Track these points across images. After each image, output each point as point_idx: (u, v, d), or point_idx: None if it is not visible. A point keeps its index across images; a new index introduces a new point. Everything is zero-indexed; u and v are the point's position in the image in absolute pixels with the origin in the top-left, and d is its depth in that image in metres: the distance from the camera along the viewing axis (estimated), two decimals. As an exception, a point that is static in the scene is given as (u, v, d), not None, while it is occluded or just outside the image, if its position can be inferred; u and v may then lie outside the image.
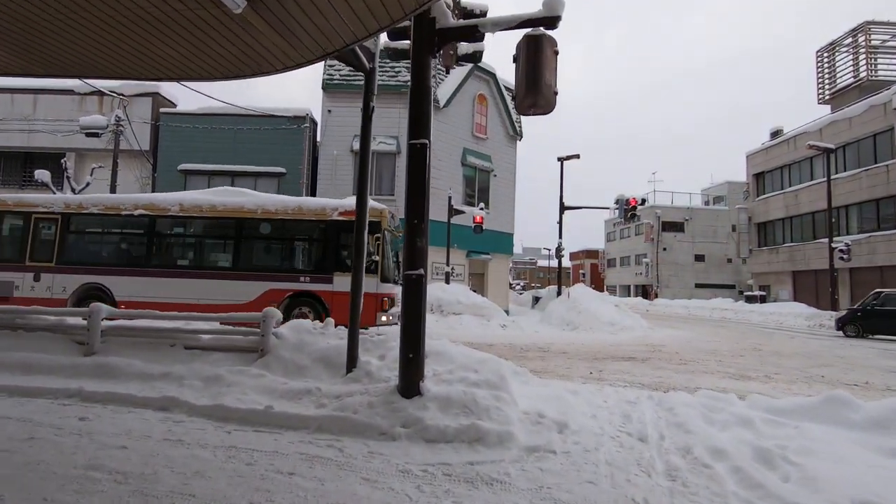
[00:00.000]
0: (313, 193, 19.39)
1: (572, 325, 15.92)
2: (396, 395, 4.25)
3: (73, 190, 17.38)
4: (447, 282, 16.72)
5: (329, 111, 19.51)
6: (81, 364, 5.38)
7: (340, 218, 10.27)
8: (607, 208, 26.66)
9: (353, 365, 5.09)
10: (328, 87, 19.46)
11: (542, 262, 73.94)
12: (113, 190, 16.75)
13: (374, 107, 5.41)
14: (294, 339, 5.64)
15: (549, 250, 56.29)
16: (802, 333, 17.07)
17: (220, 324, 6.17)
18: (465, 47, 5.54)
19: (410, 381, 4.23)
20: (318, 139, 19.94)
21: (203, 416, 4.32)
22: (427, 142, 4.50)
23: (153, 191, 19.56)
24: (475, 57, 5.72)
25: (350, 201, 9.96)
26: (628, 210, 21.84)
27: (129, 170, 19.41)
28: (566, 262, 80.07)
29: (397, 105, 19.12)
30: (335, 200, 10.58)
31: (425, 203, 4.49)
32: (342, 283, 9.36)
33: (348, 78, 19.48)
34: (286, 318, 8.95)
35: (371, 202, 9.09)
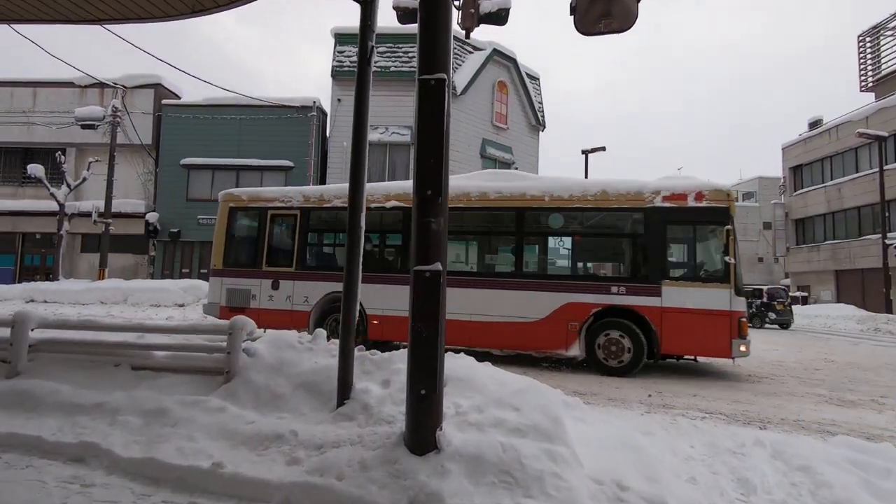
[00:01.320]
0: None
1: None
2: (402, 450, 2.88)
3: (68, 186, 16.45)
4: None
5: (339, 100, 18.27)
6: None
7: (666, 204, 7.28)
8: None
9: (346, 395, 3.74)
10: (338, 74, 18.23)
11: (561, 263, 72.35)
12: (109, 185, 15.76)
13: (373, 46, 4.04)
14: (271, 358, 4.31)
15: (570, 250, 54.60)
16: (862, 338, 15.27)
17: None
18: (488, 4, 4.25)
19: (423, 431, 2.86)
20: (328, 131, 18.71)
21: (126, 475, 3.04)
22: (445, 77, 3.10)
23: (155, 187, 18.58)
24: (500, 17, 4.35)
25: (677, 182, 7.56)
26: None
27: (131, 165, 18.45)
28: (585, 263, 78.23)
29: (410, 92, 17.80)
30: (657, 181, 7.63)
31: (443, 167, 3.10)
32: (675, 296, 7.03)
33: (359, 64, 18.17)
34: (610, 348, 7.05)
35: (707, 183, 7.25)
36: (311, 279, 8.59)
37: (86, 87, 18.78)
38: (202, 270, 18.17)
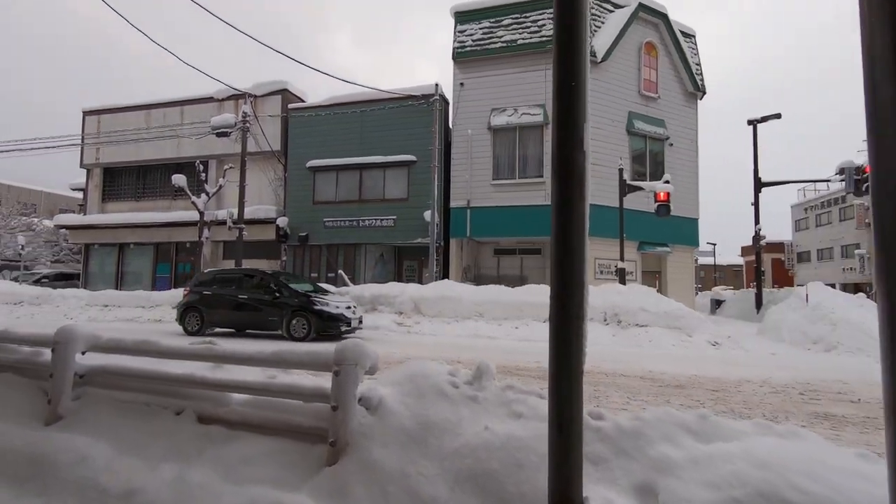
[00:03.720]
0: (446, 180, 16.63)
1: (823, 342, 10.67)
2: None
3: (206, 194, 16.93)
4: (622, 281, 12.55)
5: (461, 84, 16.61)
6: (19, 448, 2.75)
7: None
8: (826, 181, 19.78)
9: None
10: (459, 56, 16.59)
11: (703, 260, 62.56)
12: (241, 192, 15.81)
13: None
14: (408, 417, 2.42)
15: (714, 244, 47.57)
16: None
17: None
18: None
19: None
20: (451, 120, 17.15)
21: None
22: None
23: (284, 192, 18.59)
24: None
25: None
26: (862, 181, 15.32)
27: (262, 171, 18.68)
28: (731, 259, 67.97)
29: (541, 65, 15.54)
30: None
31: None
32: None
33: (483, 42, 16.37)
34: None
35: None
36: None
37: (223, 100, 19.54)
38: (329, 274, 17.69)
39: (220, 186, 17.10)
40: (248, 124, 15.78)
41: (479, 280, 16.93)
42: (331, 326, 9.90)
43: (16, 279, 22.19)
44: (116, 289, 19.61)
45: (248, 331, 10.77)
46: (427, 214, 15.86)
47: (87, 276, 21.41)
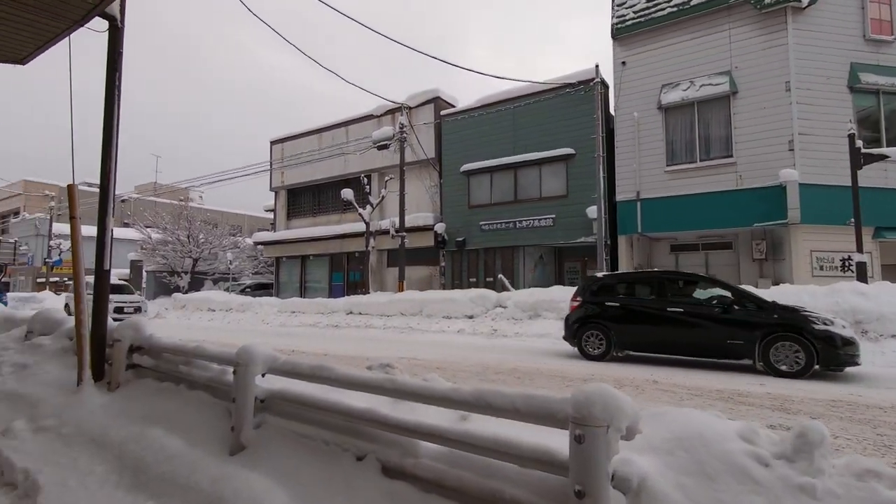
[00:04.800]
0: (610, 171, 15.02)
1: None
2: None
3: (371, 205, 17.83)
4: (862, 278, 9.69)
5: (623, 63, 14.88)
6: (204, 487, 2.49)
7: None
8: None
9: None
10: (620, 31, 14.89)
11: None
12: (401, 200, 16.28)
13: None
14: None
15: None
16: None
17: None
18: None
19: None
20: (613, 104, 15.50)
21: None
22: None
23: (441, 198, 18.77)
24: None
25: None
26: None
27: (419, 179, 19.14)
28: None
29: (723, 25, 13.13)
30: None
31: None
32: None
33: (646, 12, 14.47)
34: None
35: None
36: None
37: (381, 115, 20.60)
38: (488, 279, 17.30)
39: (383, 197, 17.89)
40: (404, 135, 16.21)
41: (653, 281, 14.93)
42: (840, 357, 6.44)
43: (227, 289, 26.27)
44: (301, 296, 21.89)
45: (685, 357, 7.88)
46: (591, 211, 14.48)
47: (278, 286, 24.36)
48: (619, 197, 14.74)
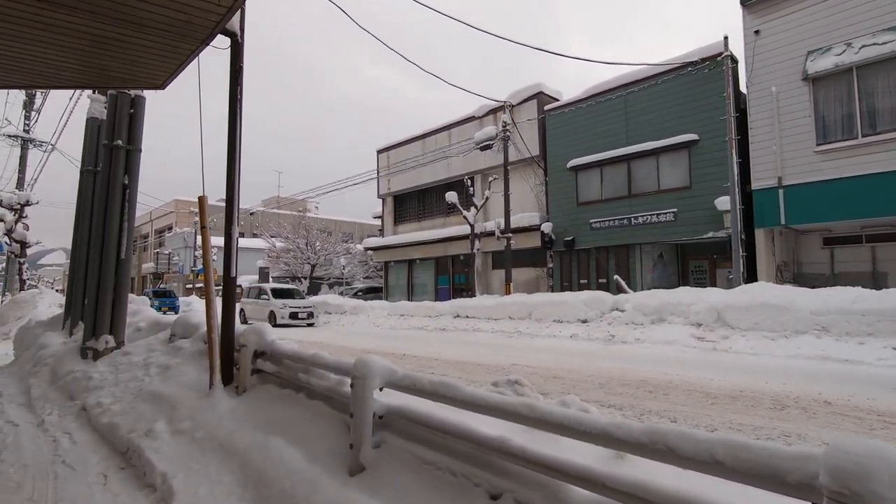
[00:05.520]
0: (743, 156, 13.25)
1: None
2: None
3: (475, 207, 17.63)
4: None
5: (756, 32, 13.06)
6: (319, 503, 2.30)
7: None
8: None
9: None
10: (751, -3, 13.10)
11: None
12: (506, 201, 15.86)
13: None
14: None
15: None
16: None
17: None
18: None
19: None
20: (744, 80, 13.69)
21: None
22: None
23: (546, 197, 18.04)
24: None
25: None
26: None
27: (524, 178, 18.58)
28: None
29: (893, -29, 10.91)
30: None
31: None
32: None
33: (785, -30, 12.56)
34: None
35: None
36: None
37: (483, 116, 20.38)
38: (600, 280, 16.22)
39: (487, 198, 17.62)
40: (507, 133, 15.79)
41: (800, 280, 12.90)
42: None
43: (341, 293, 27.80)
44: (408, 299, 22.39)
45: None
46: (721, 202, 12.89)
47: (387, 289, 25.21)
48: (755, 185, 12.93)
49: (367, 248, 27.03)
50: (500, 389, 2.64)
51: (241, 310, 18.77)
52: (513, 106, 18.05)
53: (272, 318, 16.89)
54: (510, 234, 15.81)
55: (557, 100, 18.58)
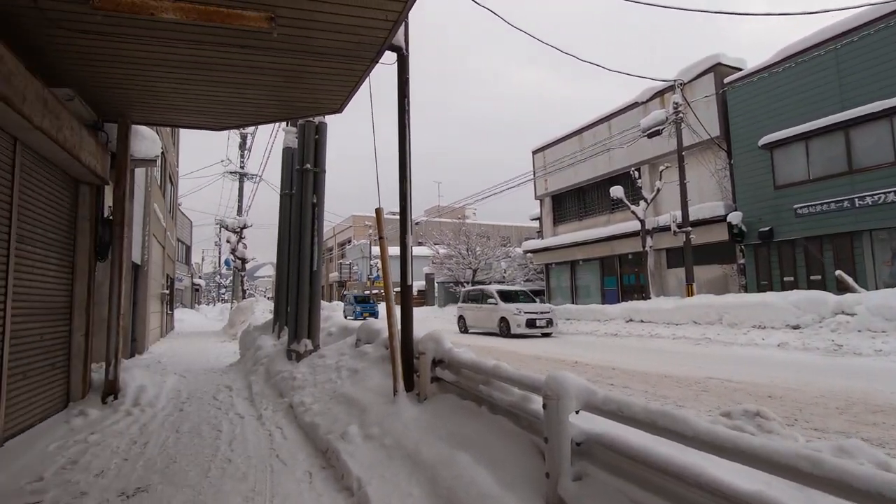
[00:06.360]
0: None
1: None
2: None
3: (645, 201, 16.08)
4: None
5: None
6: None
7: None
8: None
9: None
10: None
11: None
12: (682, 190, 14.12)
13: None
14: None
15: None
16: None
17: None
18: None
19: None
20: None
21: None
22: None
23: (732, 182, 15.67)
24: None
25: None
26: None
27: (701, 164, 16.43)
28: None
29: None
30: None
31: None
32: None
33: None
34: None
35: None
36: None
37: (647, 101, 18.60)
38: (812, 277, 13.43)
39: (658, 190, 15.95)
40: (680, 115, 14.08)
41: None
42: None
43: (503, 296, 27.92)
44: (572, 302, 21.45)
45: None
46: None
47: (549, 292, 24.55)
48: None
49: (526, 251, 26.74)
50: (737, 424, 2.08)
51: (460, 317, 16.53)
52: (684, 84, 16.09)
53: (504, 326, 14.02)
54: (689, 228, 14.02)
55: (740, 69, 16.03)
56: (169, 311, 18.49)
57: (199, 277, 55.25)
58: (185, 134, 25.38)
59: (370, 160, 5.79)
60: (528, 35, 10.47)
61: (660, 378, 7.06)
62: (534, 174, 24.92)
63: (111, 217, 6.06)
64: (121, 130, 6.07)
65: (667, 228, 15.31)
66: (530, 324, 13.57)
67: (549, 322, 13.91)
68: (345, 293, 27.66)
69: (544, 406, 2.40)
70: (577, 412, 2.37)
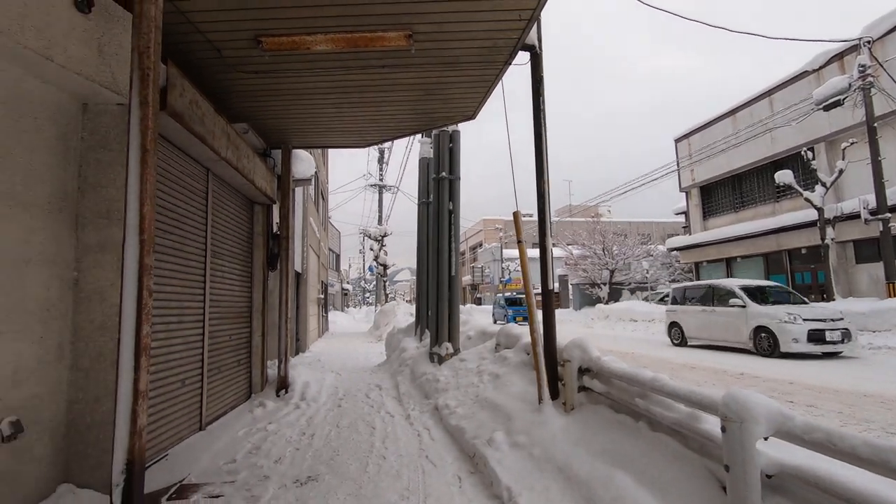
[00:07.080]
0: None
1: None
2: None
3: (823, 185, 13.65)
4: None
5: None
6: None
7: None
8: None
9: None
10: None
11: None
12: (876, 170, 11.67)
13: None
14: None
15: None
16: None
17: None
18: None
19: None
20: None
21: None
22: None
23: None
24: None
25: None
26: None
27: (900, 137, 13.48)
28: None
29: None
30: None
31: None
32: None
33: None
34: None
35: None
36: None
37: (819, 68, 15.80)
38: None
39: (840, 171, 13.43)
40: (869, 79, 11.70)
41: None
42: None
43: (645, 298, 25.94)
44: (730, 305, 19.06)
45: None
46: None
47: (700, 293, 22.16)
48: None
49: (671, 249, 24.54)
50: None
51: (673, 323, 11.98)
52: (872, 41, 13.36)
53: (764, 339, 9.46)
54: (888, 215, 11.54)
55: (955, 13, 12.82)
56: (324, 314, 20.55)
57: (347, 283, 60.73)
58: (331, 152, 28.09)
59: (487, 164, 5.75)
60: (673, 14, 9.58)
61: (864, 399, 5.88)
62: (677, 164, 22.80)
63: (279, 232, 6.88)
64: (284, 155, 6.87)
65: (855, 216, 12.78)
66: (815, 337, 8.88)
67: (846, 335, 9.02)
68: (498, 294, 27.82)
69: (723, 429, 2.08)
70: (765, 438, 2.02)
